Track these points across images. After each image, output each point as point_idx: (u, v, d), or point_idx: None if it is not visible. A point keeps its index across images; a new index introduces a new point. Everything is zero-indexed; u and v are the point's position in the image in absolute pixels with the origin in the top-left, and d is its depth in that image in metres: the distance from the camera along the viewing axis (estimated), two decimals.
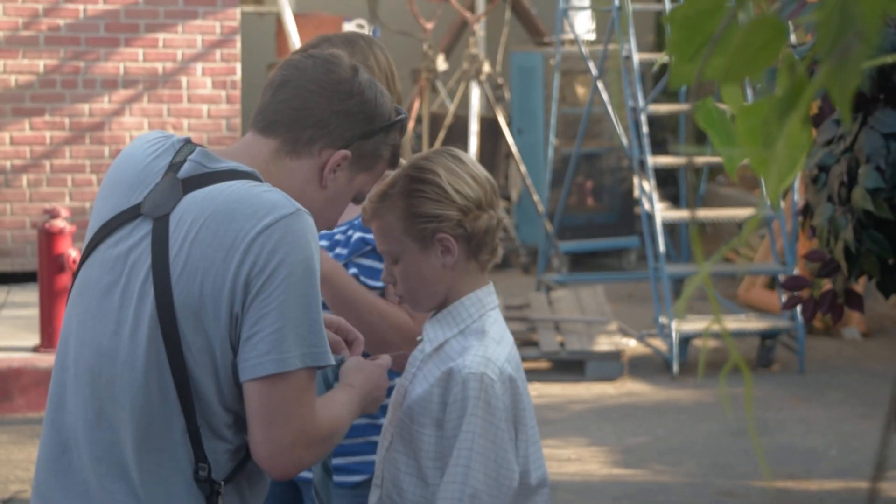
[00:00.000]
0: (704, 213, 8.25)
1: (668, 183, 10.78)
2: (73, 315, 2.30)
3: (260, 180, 2.24)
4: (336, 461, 2.91)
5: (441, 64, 10.27)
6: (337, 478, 2.94)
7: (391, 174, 2.53)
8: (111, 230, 2.26)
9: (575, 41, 9.04)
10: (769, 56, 0.85)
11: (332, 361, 2.22)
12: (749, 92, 6.61)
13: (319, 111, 2.29)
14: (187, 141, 2.30)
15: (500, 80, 10.40)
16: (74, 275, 2.33)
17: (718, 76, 0.88)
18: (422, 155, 2.53)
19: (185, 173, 2.24)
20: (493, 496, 2.39)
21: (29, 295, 7.82)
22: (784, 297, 7.54)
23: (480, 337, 2.46)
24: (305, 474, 2.97)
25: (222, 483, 2.22)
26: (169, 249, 2.19)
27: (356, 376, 2.39)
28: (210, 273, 2.16)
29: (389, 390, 2.67)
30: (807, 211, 3.87)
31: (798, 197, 7.76)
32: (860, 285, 7.02)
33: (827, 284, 3.94)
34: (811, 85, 0.81)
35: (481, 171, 2.52)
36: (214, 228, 2.18)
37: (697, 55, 0.94)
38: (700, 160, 8.60)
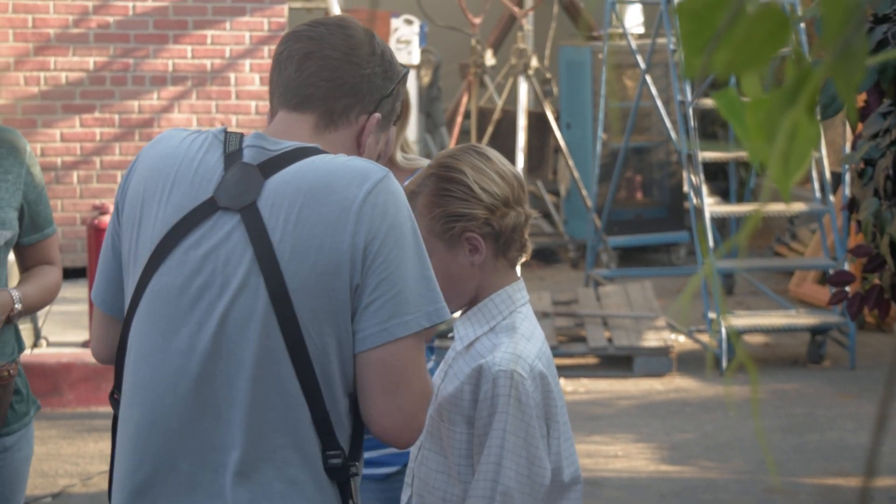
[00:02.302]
0: (753, 207, 8.18)
1: (717, 177, 10.71)
2: (153, 329, 2.17)
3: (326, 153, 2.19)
4: (366, 454, 2.90)
5: (489, 59, 10.25)
6: (367, 470, 2.93)
7: (417, 173, 2.52)
8: (185, 231, 2.15)
9: (623, 35, 8.99)
10: (774, 48, 0.83)
11: (450, 315, 2.17)
12: None
13: (350, 78, 2.23)
14: (225, 130, 2.23)
15: (548, 75, 10.36)
16: (140, 288, 2.19)
17: (724, 69, 0.86)
18: (448, 153, 2.51)
19: (253, 159, 2.15)
20: (525, 493, 2.38)
21: (79, 291, 7.88)
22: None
23: (511, 333, 2.44)
24: None
25: (357, 465, 2.14)
26: (270, 236, 2.10)
27: None
28: (323, 250, 2.09)
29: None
30: (853, 205, 3.82)
31: (849, 191, 7.68)
32: None
33: (875, 279, 3.89)
34: (815, 77, 0.79)
35: (508, 167, 2.49)
36: (316, 206, 2.10)
37: (707, 47, 0.92)
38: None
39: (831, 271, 7.75)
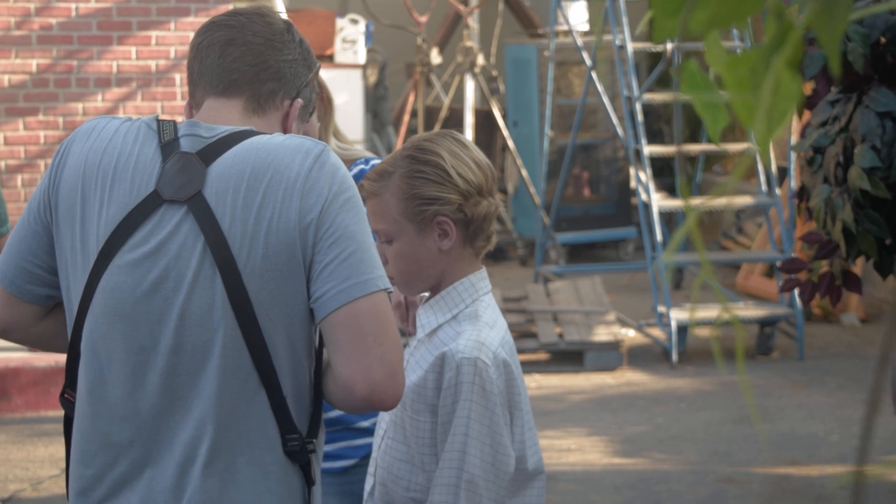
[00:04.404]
0: (700, 202, 8.22)
1: (664, 173, 10.76)
2: (110, 328, 2.15)
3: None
4: (324, 447, 2.89)
5: (435, 57, 10.25)
6: (325, 464, 2.91)
7: (389, 154, 2.51)
8: (132, 228, 2.13)
9: (569, 32, 9.02)
10: (754, 4, 0.83)
11: (392, 286, 2.18)
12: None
13: (273, 62, 2.25)
14: (157, 118, 2.22)
15: (494, 73, 10.37)
16: (90, 288, 2.16)
17: (703, 28, 0.86)
18: (424, 136, 2.50)
19: (191, 148, 2.15)
20: (490, 481, 2.37)
21: None
22: (782, 282, 7.52)
23: (474, 321, 2.43)
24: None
25: (314, 442, 2.15)
26: (219, 223, 2.10)
27: None
28: (272, 230, 2.09)
29: None
30: (803, 193, 3.85)
31: (794, 183, 7.74)
32: (858, 267, 6.98)
33: (824, 266, 3.92)
34: (798, 28, 0.79)
35: (483, 157, 2.50)
36: (260, 187, 2.11)
37: (679, 10, 0.92)
38: (696, 149, 8.58)
39: (779, 263, 7.81)
